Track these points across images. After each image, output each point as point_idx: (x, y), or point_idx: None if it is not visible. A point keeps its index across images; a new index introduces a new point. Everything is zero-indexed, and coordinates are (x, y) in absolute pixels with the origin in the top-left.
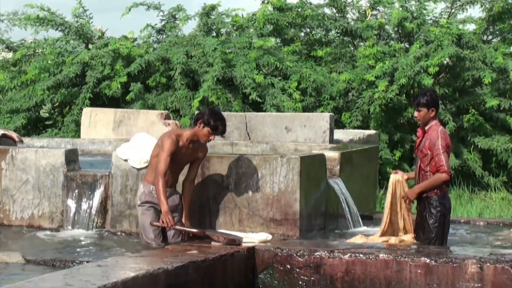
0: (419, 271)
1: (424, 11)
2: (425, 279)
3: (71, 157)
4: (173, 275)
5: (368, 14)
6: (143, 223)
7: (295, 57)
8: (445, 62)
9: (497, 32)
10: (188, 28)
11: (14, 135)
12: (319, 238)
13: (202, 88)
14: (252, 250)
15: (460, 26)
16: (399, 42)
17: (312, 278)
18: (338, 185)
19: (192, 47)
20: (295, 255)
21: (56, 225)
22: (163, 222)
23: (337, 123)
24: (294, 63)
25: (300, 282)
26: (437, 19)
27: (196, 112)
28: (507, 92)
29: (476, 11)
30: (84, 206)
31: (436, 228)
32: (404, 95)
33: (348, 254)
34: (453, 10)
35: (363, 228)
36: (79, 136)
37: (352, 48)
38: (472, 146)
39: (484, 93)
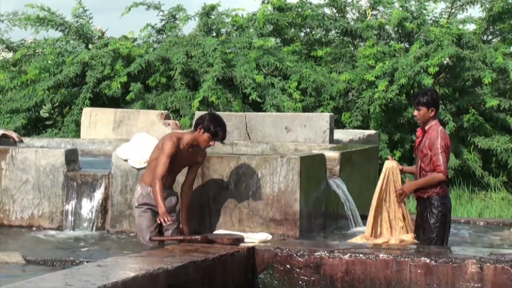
0: (419, 271)
1: (424, 11)
2: (425, 279)
3: (71, 157)
4: (173, 275)
5: (368, 14)
6: (140, 225)
7: (295, 57)
8: (445, 62)
9: (497, 32)
10: (188, 28)
11: (14, 135)
12: (319, 238)
13: (202, 88)
14: (252, 250)
15: (460, 26)
16: (399, 42)
17: (312, 278)
18: (338, 185)
19: (192, 47)
20: (295, 255)
21: (56, 225)
22: (160, 222)
23: (337, 123)
24: (294, 63)
25: (300, 282)
26: (437, 19)
27: (196, 112)
28: (507, 92)
29: (476, 11)
30: (84, 206)
31: (437, 228)
32: (404, 95)
33: (348, 254)
34: (453, 10)
35: (363, 228)
36: (79, 136)
37: (352, 48)
38: (472, 146)
39: (484, 93)
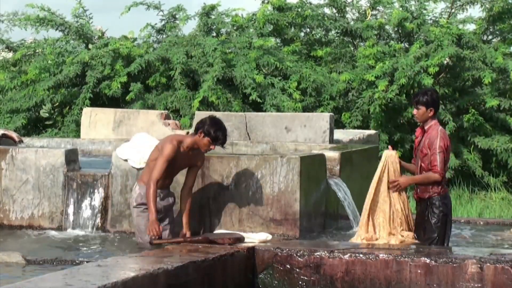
0: (419, 271)
1: (424, 11)
2: (425, 279)
3: (71, 157)
4: (173, 275)
5: (368, 14)
6: (138, 225)
7: (295, 57)
8: (445, 62)
9: (497, 32)
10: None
11: (14, 135)
12: (319, 238)
13: (202, 88)
14: (252, 250)
15: (460, 26)
16: (399, 42)
17: (312, 278)
18: (338, 185)
19: (192, 47)
20: (295, 255)
21: (56, 225)
22: (149, 231)
23: (337, 123)
24: (294, 63)
25: (300, 282)
26: (437, 19)
27: (196, 112)
28: (507, 92)
29: (476, 11)
30: (84, 206)
31: (439, 228)
32: (404, 95)
33: (348, 254)
34: (453, 10)
35: None
36: (79, 136)
37: (352, 48)
38: (472, 146)
39: (484, 93)
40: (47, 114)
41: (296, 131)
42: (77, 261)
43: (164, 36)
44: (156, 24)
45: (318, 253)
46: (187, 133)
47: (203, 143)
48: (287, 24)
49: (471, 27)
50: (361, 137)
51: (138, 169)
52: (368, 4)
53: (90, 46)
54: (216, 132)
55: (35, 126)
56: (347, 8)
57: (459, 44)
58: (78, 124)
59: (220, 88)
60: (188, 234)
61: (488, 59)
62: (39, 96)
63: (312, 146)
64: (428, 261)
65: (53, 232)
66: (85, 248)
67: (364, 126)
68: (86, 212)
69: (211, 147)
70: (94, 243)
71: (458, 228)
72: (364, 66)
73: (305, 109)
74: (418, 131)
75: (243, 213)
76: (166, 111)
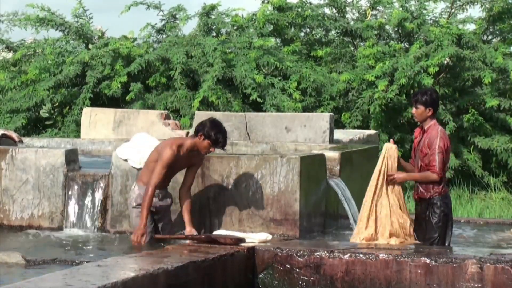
0: (419, 271)
1: (424, 11)
2: (425, 279)
3: (71, 157)
4: (173, 275)
5: (368, 14)
6: (137, 225)
7: (295, 57)
8: (445, 62)
9: (497, 32)
10: (188, 28)
11: (14, 135)
12: (319, 238)
13: (202, 88)
14: (252, 250)
15: (460, 26)
16: (399, 42)
17: (312, 278)
18: (338, 185)
19: (192, 47)
20: (295, 255)
21: (56, 225)
22: (134, 235)
23: (337, 123)
24: (294, 63)
25: (300, 282)
26: (437, 19)
27: (196, 112)
28: (507, 92)
29: (476, 11)
30: (84, 206)
31: (440, 227)
32: (404, 95)
33: (348, 254)
34: (453, 10)
35: None
36: (79, 136)
37: (352, 48)
38: (472, 146)
39: (484, 93)
40: (47, 114)
41: (296, 131)
42: (77, 261)
43: (164, 36)
44: (156, 24)
45: (318, 253)
46: (187, 133)
47: (203, 146)
48: (287, 24)
49: (471, 27)
50: (361, 137)
51: (138, 169)
52: (368, 4)
53: (90, 46)
54: (216, 134)
55: (35, 126)
56: (347, 8)
57: (459, 44)
58: (78, 124)
59: (220, 88)
60: (193, 232)
61: (488, 59)
62: (39, 96)
63: (312, 146)
64: (428, 261)
65: (53, 232)
66: (85, 248)
67: (364, 126)
68: (86, 212)
69: (211, 149)
70: (94, 243)
71: (459, 228)
72: (364, 66)
73: (305, 109)
74: (417, 131)
75: (243, 213)
76: (166, 111)
